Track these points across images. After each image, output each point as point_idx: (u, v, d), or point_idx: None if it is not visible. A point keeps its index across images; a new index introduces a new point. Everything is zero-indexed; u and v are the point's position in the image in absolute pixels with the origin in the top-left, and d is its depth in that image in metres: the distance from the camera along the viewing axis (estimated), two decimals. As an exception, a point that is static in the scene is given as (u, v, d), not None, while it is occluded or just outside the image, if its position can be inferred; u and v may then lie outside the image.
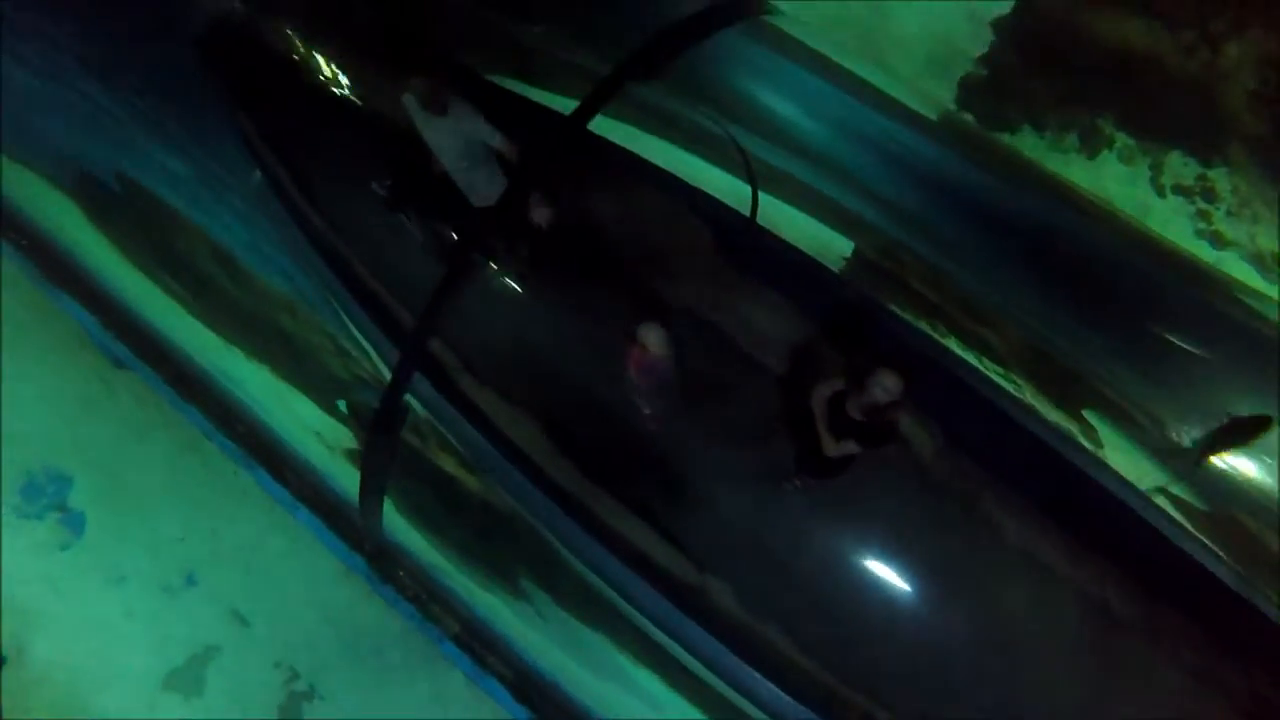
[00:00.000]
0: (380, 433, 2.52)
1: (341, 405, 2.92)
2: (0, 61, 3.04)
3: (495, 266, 3.06)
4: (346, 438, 2.92)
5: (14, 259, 3.29)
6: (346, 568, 3.04)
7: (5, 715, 3.42)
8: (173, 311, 3.11)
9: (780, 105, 3.14)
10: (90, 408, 4.00)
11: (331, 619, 3.61)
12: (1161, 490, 2.78)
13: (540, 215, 2.82)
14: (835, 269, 3.24)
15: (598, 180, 2.88)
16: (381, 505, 2.56)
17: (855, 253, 3.29)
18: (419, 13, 3.21)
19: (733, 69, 3.08)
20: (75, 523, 3.78)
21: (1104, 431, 2.91)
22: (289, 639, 3.61)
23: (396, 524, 2.71)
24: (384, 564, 2.68)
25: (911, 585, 2.79)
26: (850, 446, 2.65)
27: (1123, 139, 5.13)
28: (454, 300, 2.44)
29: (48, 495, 3.84)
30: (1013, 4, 5.29)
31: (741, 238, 3.34)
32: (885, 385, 2.44)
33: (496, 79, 2.98)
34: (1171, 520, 2.69)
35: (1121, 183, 5.17)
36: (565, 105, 2.89)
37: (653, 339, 2.63)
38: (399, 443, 2.56)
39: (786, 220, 3.26)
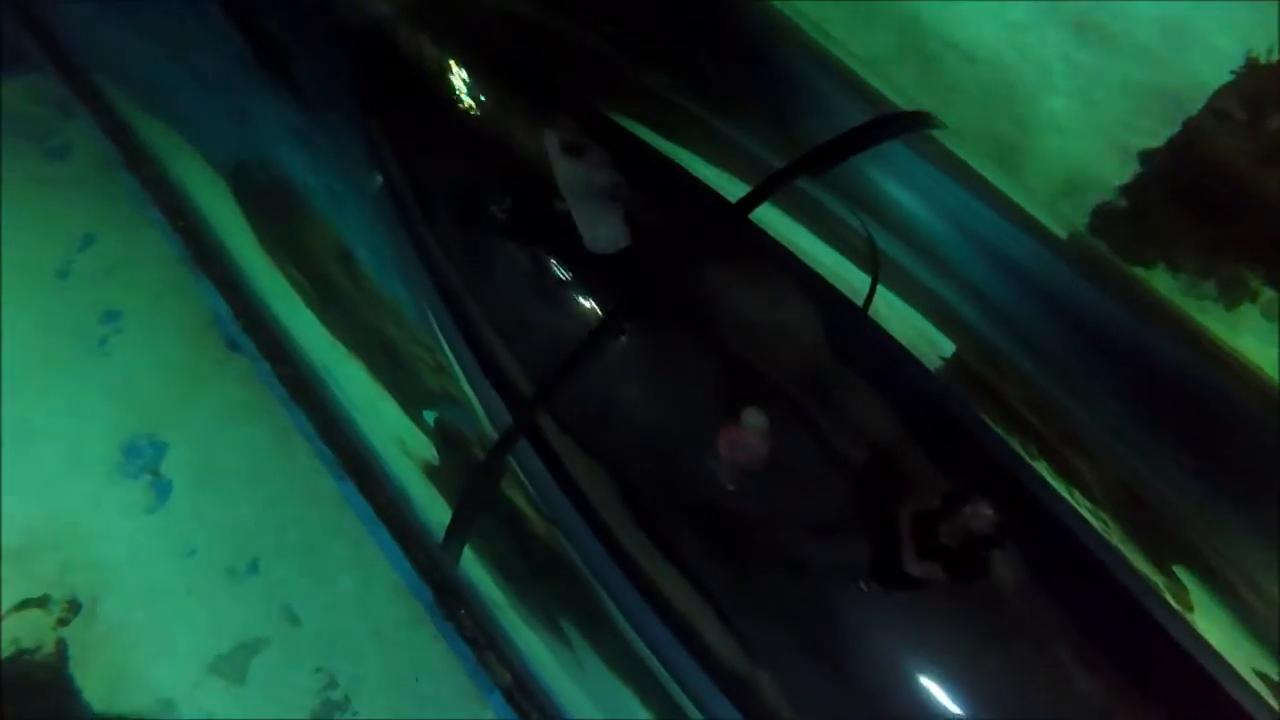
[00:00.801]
0: (482, 483, 2.56)
1: (429, 418, 2.97)
2: (182, 43, 3.28)
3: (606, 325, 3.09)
4: (429, 451, 2.96)
5: (170, 239, 3.53)
6: (404, 588, 3.06)
7: (72, 661, 3.57)
8: (291, 301, 3.23)
9: (900, 194, 3.12)
10: (198, 384, 4.23)
11: (379, 636, 3.62)
12: (1261, 675, 2.54)
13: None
14: (932, 367, 3.18)
15: (720, 251, 2.91)
16: (464, 548, 2.58)
17: (955, 355, 3.20)
18: (573, 56, 3.33)
19: (861, 156, 3.09)
20: (163, 489, 3.96)
21: (1196, 593, 2.69)
22: (334, 646, 3.63)
23: (466, 557, 2.72)
24: (449, 600, 2.69)
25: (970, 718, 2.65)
26: (935, 571, 2.53)
27: (1269, 294, 4.85)
28: (575, 376, 2.47)
29: (144, 458, 4.03)
30: (1166, 139, 5.14)
31: (850, 327, 3.29)
32: (982, 515, 2.35)
33: (648, 136, 3.06)
34: (1271, 712, 2.45)
35: (1260, 339, 4.88)
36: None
37: (754, 422, 2.61)
38: (499, 494, 2.59)
39: (888, 309, 3.22)
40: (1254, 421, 3.07)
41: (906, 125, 2.83)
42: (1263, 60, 4.79)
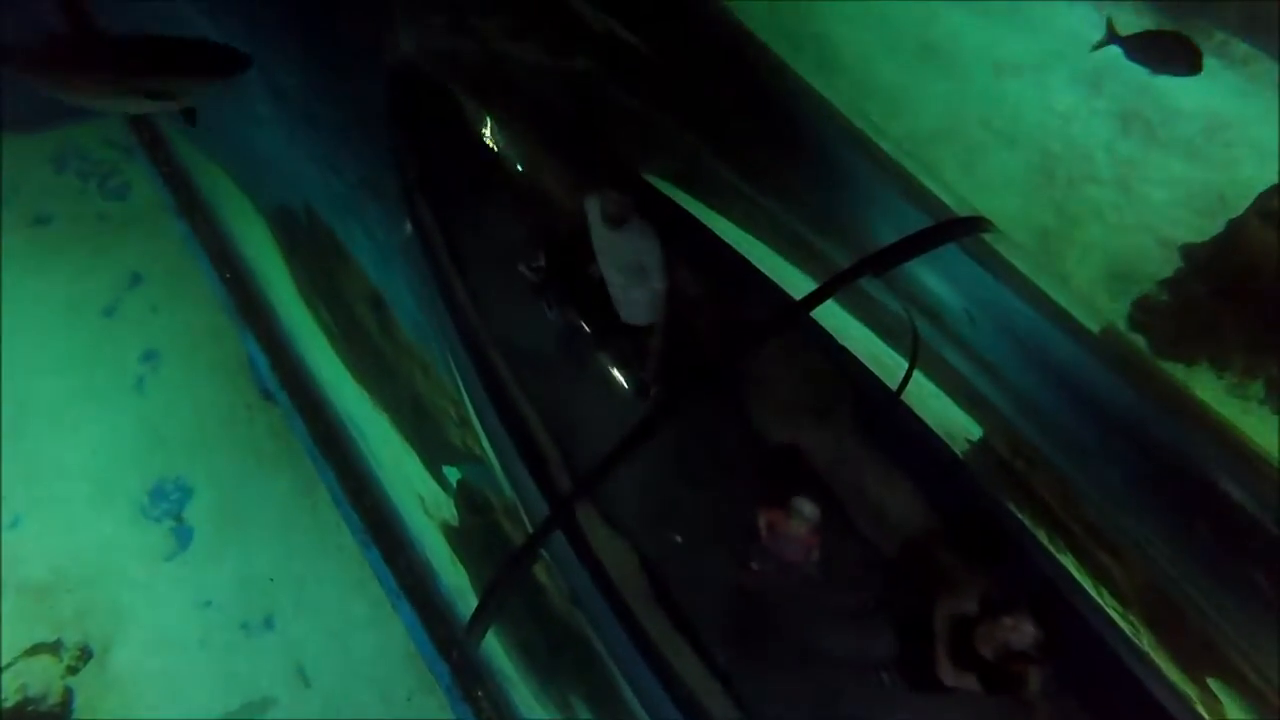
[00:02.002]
0: (514, 569, 2.54)
1: (451, 476, 2.94)
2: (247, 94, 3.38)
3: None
4: (449, 510, 2.93)
5: (215, 286, 3.60)
6: (417, 653, 3.00)
7: (76, 713, 3.51)
8: (325, 353, 3.25)
9: (945, 289, 3.11)
10: (230, 430, 4.24)
11: (389, 703, 3.54)
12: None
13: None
14: (959, 450, 3.11)
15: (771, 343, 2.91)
16: (488, 629, 2.54)
17: (984, 441, 3.14)
18: (630, 125, 3.37)
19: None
20: (184, 536, 3.93)
21: (1230, 708, 2.57)
22: (343, 711, 3.55)
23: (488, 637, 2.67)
24: (467, 679, 2.63)
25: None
26: (970, 682, 2.47)
27: (1319, 400, 4.72)
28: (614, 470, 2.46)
29: (169, 502, 4.02)
30: (1209, 235, 5.09)
31: (884, 413, 3.26)
32: (1024, 632, 2.29)
33: (699, 211, 3.10)
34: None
35: (1310, 446, 4.73)
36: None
37: (806, 513, 2.62)
38: (529, 579, 2.56)
39: (923, 392, 3.18)
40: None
41: (965, 230, 2.85)
42: (1311, 164, 4.76)
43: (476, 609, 2.52)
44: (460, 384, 2.94)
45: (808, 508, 2.70)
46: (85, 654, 3.64)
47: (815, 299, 2.40)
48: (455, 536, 2.91)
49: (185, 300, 4.57)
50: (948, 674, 2.51)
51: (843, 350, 3.22)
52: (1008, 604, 2.47)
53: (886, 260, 2.51)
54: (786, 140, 3.24)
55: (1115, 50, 5.15)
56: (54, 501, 3.99)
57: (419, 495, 3.01)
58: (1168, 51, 4.90)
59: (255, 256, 3.61)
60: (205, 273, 3.74)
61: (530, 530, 2.62)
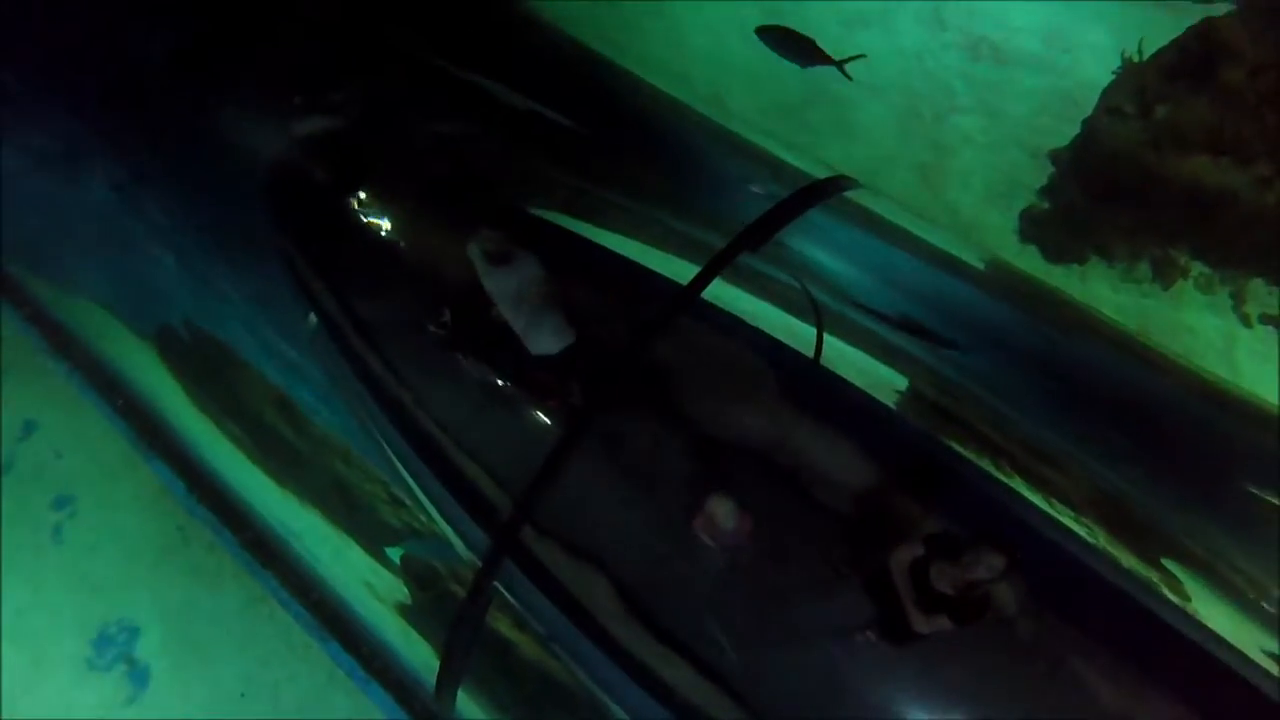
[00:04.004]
0: (466, 620, 2.49)
1: (394, 555, 2.89)
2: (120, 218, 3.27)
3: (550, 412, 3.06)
4: (400, 591, 2.88)
5: (112, 420, 3.46)
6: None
7: None
8: (239, 462, 3.16)
9: (824, 254, 3.20)
10: (165, 555, 4.06)
11: (387, 792, 3.44)
12: (1272, 656, 2.53)
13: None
14: (890, 402, 3.18)
15: (676, 333, 2.94)
16: (457, 691, 2.50)
17: (910, 388, 3.23)
18: (489, 162, 3.38)
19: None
20: (140, 677, 3.75)
21: (1189, 584, 2.70)
22: (343, 809, 3.45)
23: (461, 701, 2.63)
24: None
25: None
26: (943, 623, 2.52)
27: (1199, 268, 4.99)
28: (549, 487, 2.44)
29: (117, 646, 3.84)
30: (1071, 139, 5.33)
31: (806, 380, 3.32)
32: (990, 564, 2.36)
33: (582, 229, 3.11)
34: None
35: (1202, 312, 5.00)
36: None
37: (721, 510, 2.62)
38: (484, 629, 2.52)
39: (836, 353, 3.26)
40: (1195, 414, 3.14)
41: (829, 191, 2.92)
42: (1136, 59, 5.01)
43: (439, 671, 2.47)
44: (391, 458, 2.89)
45: (721, 504, 2.70)
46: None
47: (700, 283, 2.43)
48: (410, 614, 2.87)
49: (89, 437, 4.35)
50: (920, 622, 2.56)
51: (754, 330, 3.27)
52: (962, 536, 2.52)
53: (758, 234, 2.55)
54: (655, 148, 3.28)
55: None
56: (-8, 681, 3.78)
57: (366, 582, 2.96)
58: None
59: (145, 381, 3.49)
60: (96, 406, 3.59)
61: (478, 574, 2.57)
